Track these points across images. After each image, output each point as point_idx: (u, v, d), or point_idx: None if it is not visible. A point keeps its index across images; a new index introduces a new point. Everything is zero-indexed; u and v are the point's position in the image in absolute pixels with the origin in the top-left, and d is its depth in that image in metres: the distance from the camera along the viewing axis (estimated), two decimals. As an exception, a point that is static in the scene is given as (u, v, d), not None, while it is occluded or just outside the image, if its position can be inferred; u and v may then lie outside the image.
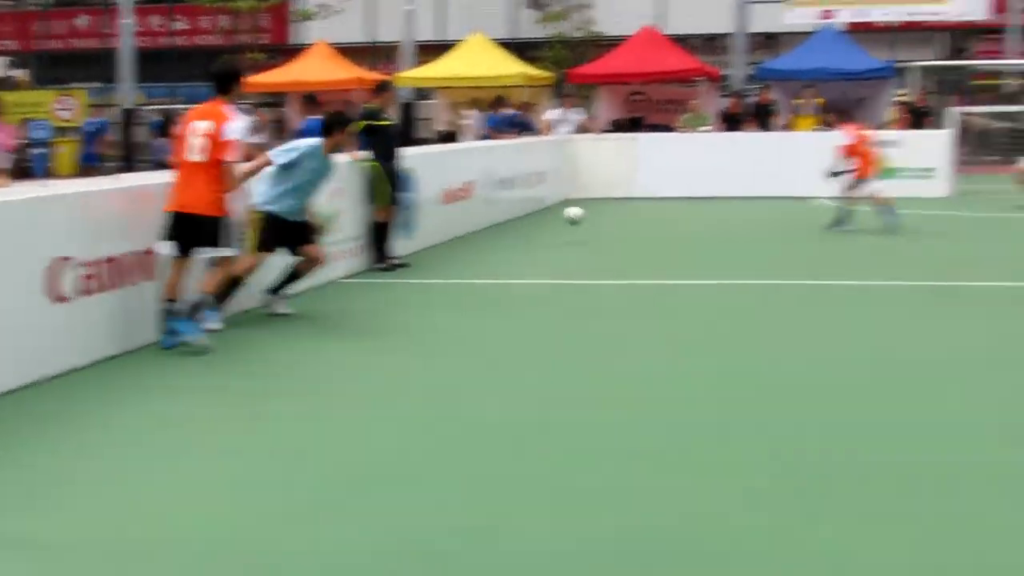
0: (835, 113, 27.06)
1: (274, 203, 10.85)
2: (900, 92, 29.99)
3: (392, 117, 14.84)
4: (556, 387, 8.33)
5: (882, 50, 38.19)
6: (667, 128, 29.16)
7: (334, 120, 11.17)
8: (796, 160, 23.91)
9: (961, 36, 43.19)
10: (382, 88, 14.99)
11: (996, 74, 39.87)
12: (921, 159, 23.66)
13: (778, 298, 12.15)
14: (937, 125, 27.22)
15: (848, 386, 8.27)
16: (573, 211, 17.61)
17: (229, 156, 9.48)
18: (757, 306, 11.69)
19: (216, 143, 9.47)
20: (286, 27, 45.01)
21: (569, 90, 31.36)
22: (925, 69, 35.19)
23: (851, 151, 18.77)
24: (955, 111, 25.28)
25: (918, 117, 26.19)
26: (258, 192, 10.90)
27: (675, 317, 11.13)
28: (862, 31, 38.10)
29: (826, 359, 9.16)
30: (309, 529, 5.54)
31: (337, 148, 11.26)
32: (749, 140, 24.83)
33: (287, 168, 10.82)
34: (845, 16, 35.03)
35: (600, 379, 8.54)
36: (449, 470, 6.45)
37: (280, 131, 23.74)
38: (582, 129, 26.06)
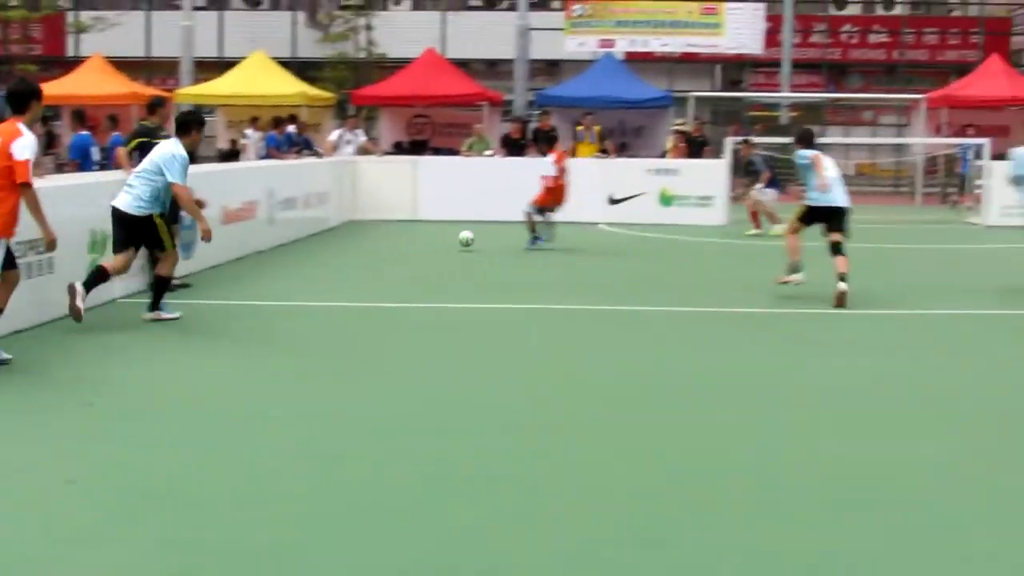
0: (613, 141, 27.72)
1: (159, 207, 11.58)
2: (678, 121, 30.86)
3: (169, 135, 14.52)
4: (336, 412, 8.33)
5: (660, 80, 39.28)
6: (452, 152, 29.38)
7: (189, 118, 11.98)
8: (578, 186, 24.37)
9: (736, 68, 44.72)
10: (157, 104, 14.49)
11: (772, 106, 41.41)
12: (699, 188, 24.40)
13: (550, 321, 12.36)
14: (715, 155, 28.15)
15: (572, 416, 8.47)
16: (464, 234, 18.72)
17: (20, 175, 9.31)
18: (534, 329, 11.86)
19: (5, 162, 9.34)
20: (63, 39, 43.74)
21: (352, 111, 31.32)
22: (701, 100, 36.33)
23: (554, 181, 19.50)
24: (730, 141, 26.12)
25: (696, 147, 26.97)
26: (140, 199, 11.48)
27: (435, 340, 11.22)
28: (641, 60, 39.14)
29: (554, 387, 9.36)
30: (86, 553, 5.41)
31: (194, 146, 11.96)
32: (531, 165, 25.17)
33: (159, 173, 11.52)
34: (624, 45, 35.89)
35: (368, 401, 8.58)
36: (232, 492, 6.39)
37: (50, 145, 22.97)
38: (364, 151, 26.04)
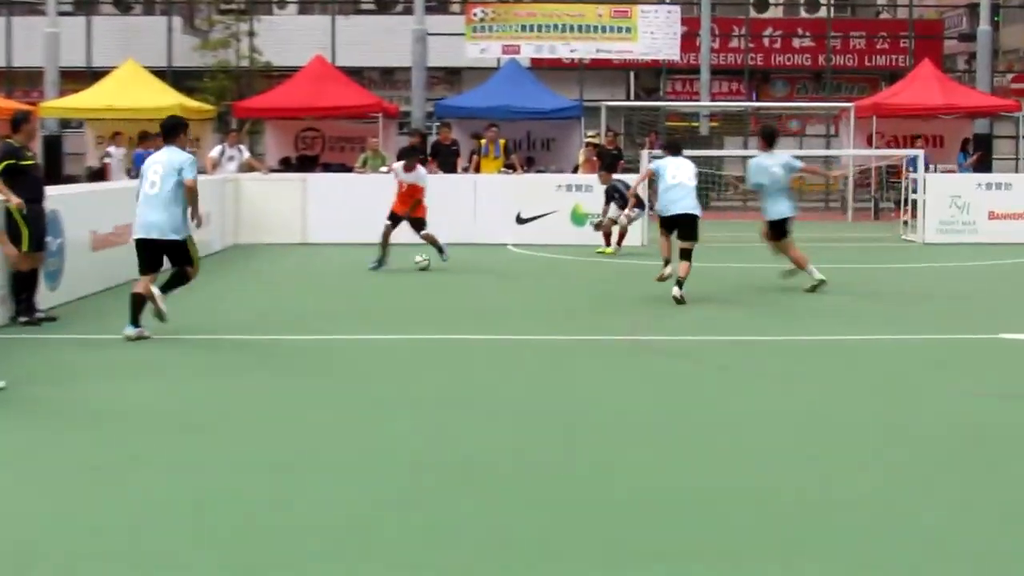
0: (520, 155, 27.83)
1: None
2: (590, 133, 31.04)
3: (35, 154, 14.28)
4: (232, 451, 8.23)
5: (570, 89, 39.49)
6: (345, 168, 29.28)
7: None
8: (482, 205, 24.45)
9: (652, 76, 45.11)
10: (21, 120, 14.21)
11: (691, 116, 41.83)
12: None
13: (446, 353, 12.33)
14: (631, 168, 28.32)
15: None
16: (418, 257, 19.66)
17: None
18: (430, 362, 11.83)
19: None
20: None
21: (234, 125, 31.12)
22: (614, 109, 36.57)
23: (413, 192, 19.89)
24: (647, 154, 26.28)
25: (610, 160, 27.12)
26: None
27: (324, 376, 11.15)
28: (549, 68, 39.33)
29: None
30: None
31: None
32: (432, 183, 25.17)
33: None
34: (529, 52, 36.05)
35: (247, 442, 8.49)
36: (105, 547, 6.28)
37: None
38: (248, 168, 25.85)
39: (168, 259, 13.23)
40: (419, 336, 13.19)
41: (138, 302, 12.85)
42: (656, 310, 15.35)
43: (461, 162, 28.02)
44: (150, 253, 13.10)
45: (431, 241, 20.02)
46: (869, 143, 35.13)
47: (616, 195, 22.86)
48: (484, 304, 16.18)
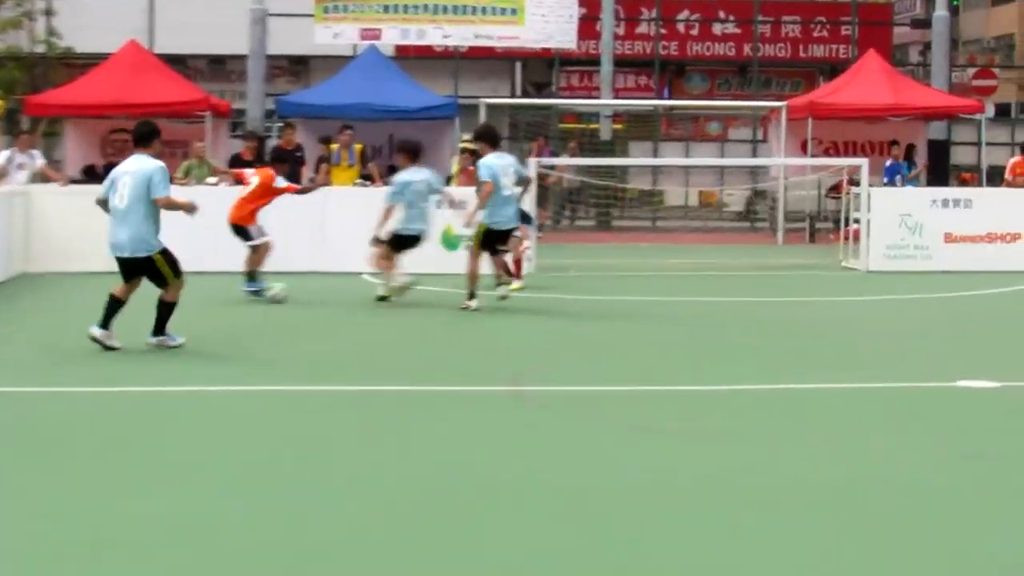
0: (379, 164, 27.71)
1: None
2: (466, 138, 31.01)
3: None
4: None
5: (443, 83, 39.53)
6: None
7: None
8: (332, 224, 24.26)
9: (542, 68, 45.31)
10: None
11: (589, 116, 42.03)
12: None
13: (279, 410, 12.20)
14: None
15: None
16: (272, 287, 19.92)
17: None
18: (257, 420, 11.68)
19: None
20: None
21: (26, 124, 30.69)
22: (496, 108, 36.56)
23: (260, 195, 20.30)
24: (534, 162, 26.30)
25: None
26: None
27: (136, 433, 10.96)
28: (417, 57, 39.37)
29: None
30: None
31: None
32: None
33: None
34: (393, 37, 35.98)
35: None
36: None
37: None
38: (43, 178, 25.46)
39: (147, 277, 15.25)
40: (238, 388, 13.02)
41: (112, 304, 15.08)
42: (547, 353, 15.28)
43: (307, 171, 27.85)
44: (125, 268, 15.18)
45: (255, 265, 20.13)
46: (804, 150, 35.47)
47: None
48: (328, 347, 16.03)
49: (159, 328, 15.16)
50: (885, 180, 32.36)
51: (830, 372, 14.34)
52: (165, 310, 15.19)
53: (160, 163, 15.19)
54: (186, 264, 15.52)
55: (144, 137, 15.32)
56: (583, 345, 16.03)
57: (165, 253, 15.14)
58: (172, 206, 15.23)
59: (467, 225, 20.60)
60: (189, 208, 15.58)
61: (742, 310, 20.05)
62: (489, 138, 19.02)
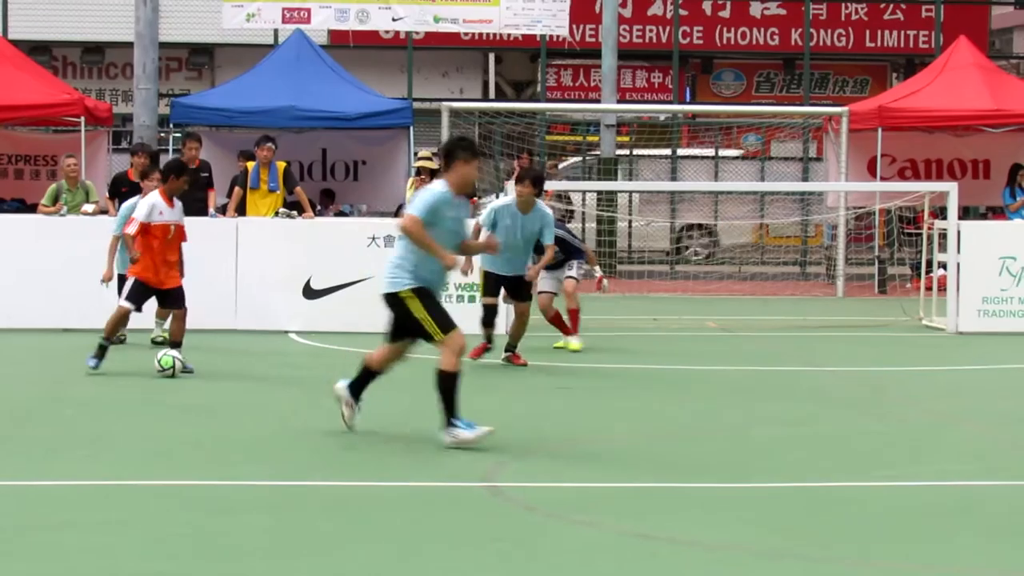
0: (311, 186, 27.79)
1: None
2: (423, 153, 31.17)
3: None
4: None
5: (393, 81, 39.67)
6: (24, 207, 29.11)
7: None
8: (248, 266, 24.29)
9: (523, 62, 45.46)
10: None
11: (585, 126, 42.09)
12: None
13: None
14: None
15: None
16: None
17: None
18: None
19: None
20: None
21: None
22: (463, 115, 36.67)
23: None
24: (510, 186, 26.35)
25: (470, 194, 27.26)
26: None
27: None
28: (360, 47, 39.50)
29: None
30: None
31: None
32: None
33: None
34: (326, 20, 35.94)
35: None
36: None
37: None
38: None
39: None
40: (115, 483, 13.11)
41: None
42: (532, 438, 15.36)
43: (216, 197, 27.82)
44: None
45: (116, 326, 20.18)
46: (871, 171, 35.51)
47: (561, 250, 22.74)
48: (246, 432, 16.10)
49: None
50: (1010, 213, 32.62)
51: (913, 465, 14.38)
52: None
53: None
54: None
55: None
56: (580, 426, 16.11)
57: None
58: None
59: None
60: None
61: (789, 381, 20.15)
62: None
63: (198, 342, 20.50)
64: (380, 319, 22.06)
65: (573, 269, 23.06)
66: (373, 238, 25.09)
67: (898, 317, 27.83)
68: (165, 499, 12.64)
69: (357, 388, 15.67)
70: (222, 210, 26.97)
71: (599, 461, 14.49)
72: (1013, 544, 11.19)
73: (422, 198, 15.34)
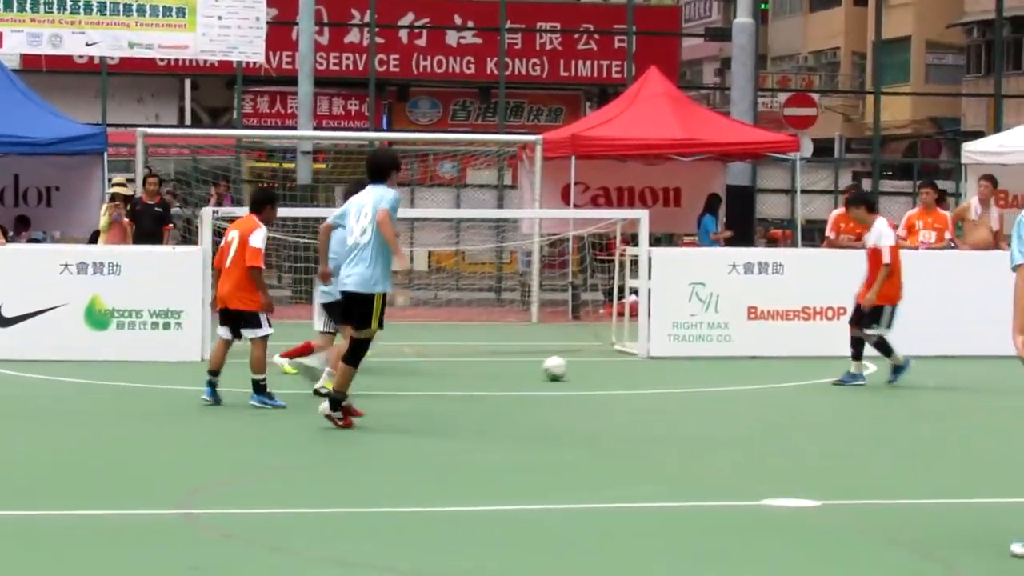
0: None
1: None
2: (118, 180, 30.87)
3: None
4: None
5: (88, 106, 39.26)
6: None
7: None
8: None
9: (219, 88, 45.25)
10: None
11: (284, 152, 41.99)
12: (157, 296, 24.11)
13: None
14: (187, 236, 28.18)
15: None
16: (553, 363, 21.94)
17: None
18: None
19: None
20: None
21: None
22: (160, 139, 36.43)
23: None
24: (209, 212, 26.13)
25: (151, 222, 27.02)
26: None
27: None
28: (52, 72, 39.09)
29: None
30: None
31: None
32: None
33: None
34: (18, 43, 35.43)
35: None
36: None
37: None
38: None
39: None
40: None
41: None
42: (227, 464, 15.30)
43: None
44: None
45: None
46: (565, 198, 35.69)
47: None
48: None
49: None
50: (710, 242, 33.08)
51: (608, 488, 14.55)
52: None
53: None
54: None
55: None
56: (276, 453, 16.10)
57: None
58: None
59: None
60: None
61: (474, 410, 20.24)
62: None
63: None
64: (76, 345, 22.03)
65: None
66: (66, 265, 24.76)
67: (591, 342, 28.06)
68: None
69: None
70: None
71: (293, 487, 14.47)
72: (698, 567, 11.35)
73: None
